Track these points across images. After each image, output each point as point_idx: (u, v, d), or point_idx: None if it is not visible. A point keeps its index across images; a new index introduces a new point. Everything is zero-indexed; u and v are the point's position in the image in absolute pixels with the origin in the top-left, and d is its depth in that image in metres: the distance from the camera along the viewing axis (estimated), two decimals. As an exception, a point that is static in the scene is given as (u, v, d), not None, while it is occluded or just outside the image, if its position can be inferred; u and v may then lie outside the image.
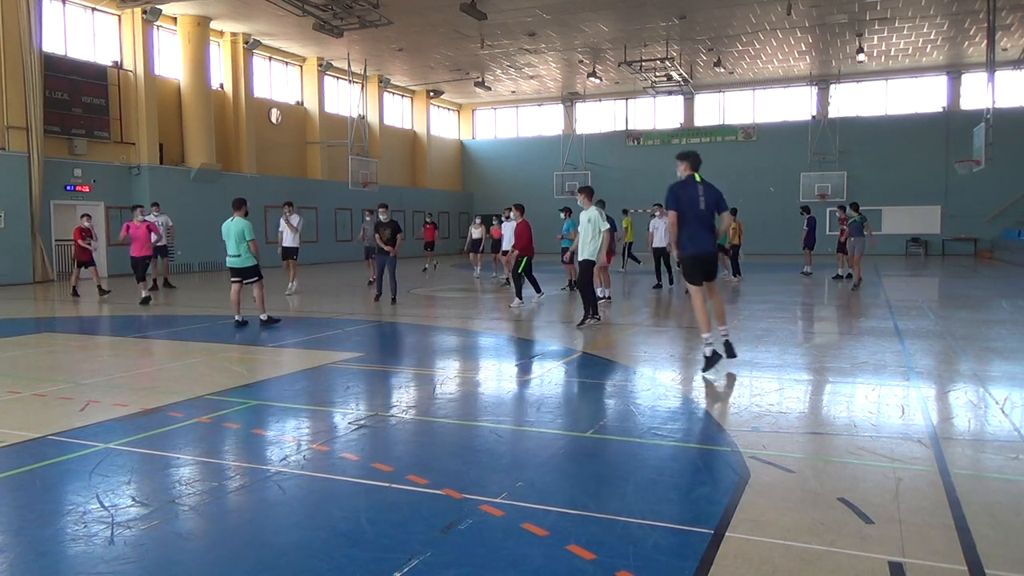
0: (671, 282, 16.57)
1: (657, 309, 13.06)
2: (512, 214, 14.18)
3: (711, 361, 7.16)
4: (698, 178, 7.28)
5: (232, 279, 11.07)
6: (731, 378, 7.09)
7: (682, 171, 7.36)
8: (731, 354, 7.33)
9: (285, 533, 3.57)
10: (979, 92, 29.46)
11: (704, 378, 7.05)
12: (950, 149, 30.42)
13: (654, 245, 16.63)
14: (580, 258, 10.51)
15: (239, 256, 10.84)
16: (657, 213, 16.77)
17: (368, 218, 19.10)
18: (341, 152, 29.60)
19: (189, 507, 3.87)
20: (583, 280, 10.52)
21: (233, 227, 10.86)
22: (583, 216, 10.48)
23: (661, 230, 16.37)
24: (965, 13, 23.59)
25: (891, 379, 6.89)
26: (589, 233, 10.40)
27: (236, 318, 10.88)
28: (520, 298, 12.94)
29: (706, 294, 7.33)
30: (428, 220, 25.89)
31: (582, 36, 26.12)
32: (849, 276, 17.61)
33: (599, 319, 10.54)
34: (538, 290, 13.93)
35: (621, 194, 35.95)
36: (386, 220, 13.80)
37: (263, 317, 10.82)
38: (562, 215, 16.39)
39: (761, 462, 4.44)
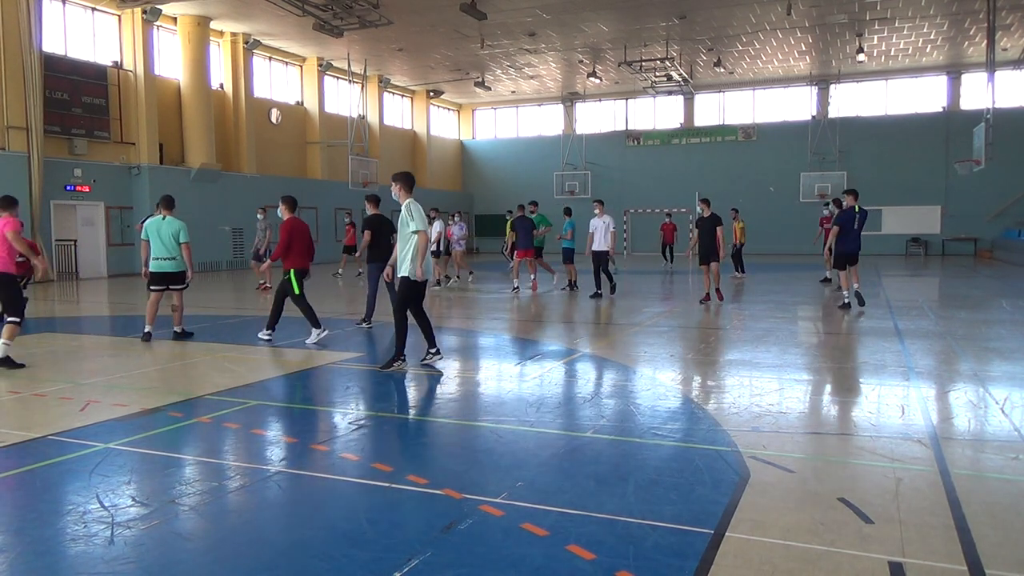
0: (612, 291, 14.64)
1: (655, 309, 13.04)
2: (280, 209, 9.61)
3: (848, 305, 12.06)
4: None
5: (156, 287, 9.61)
6: (731, 378, 7.10)
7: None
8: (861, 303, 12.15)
9: (285, 533, 3.57)
10: (979, 92, 29.44)
11: (705, 377, 7.06)
12: (950, 149, 30.42)
13: (593, 248, 14.41)
14: (399, 273, 7.57)
15: (174, 259, 9.51)
16: (597, 211, 14.58)
17: (261, 217, 16.84)
18: (341, 152, 29.60)
19: (189, 507, 3.87)
20: (397, 305, 7.55)
21: (167, 227, 9.48)
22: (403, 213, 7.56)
23: (600, 232, 14.32)
24: (965, 13, 23.58)
25: (891, 379, 6.89)
26: (403, 238, 7.50)
27: (147, 329, 9.48)
28: (319, 327, 9.42)
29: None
30: (348, 220, 22.06)
31: (582, 36, 26.11)
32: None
33: (403, 362, 7.56)
34: (315, 324, 9.51)
35: (621, 194, 36.08)
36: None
37: (177, 330, 9.67)
38: (565, 216, 16.26)
39: (761, 462, 4.44)
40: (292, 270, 9.41)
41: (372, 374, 7.49)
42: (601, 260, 14.37)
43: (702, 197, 14.71)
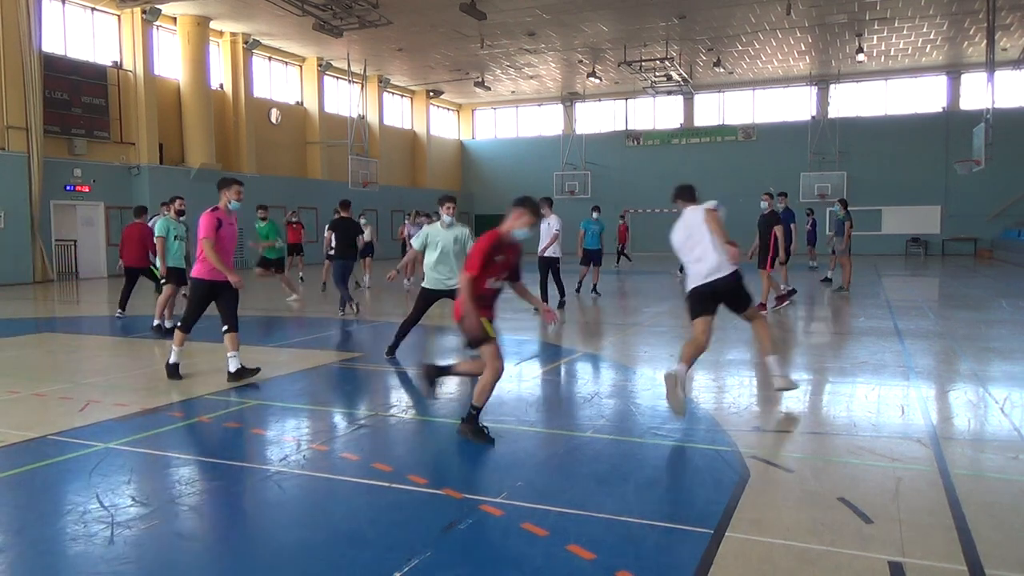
0: (562, 294, 12.78)
1: (655, 309, 13.04)
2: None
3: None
4: None
5: (174, 283, 10.18)
6: (731, 378, 7.09)
7: None
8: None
9: (285, 533, 3.57)
10: (979, 92, 29.42)
11: (705, 377, 7.06)
12: (950, 149, 30.41)
13: (544, 254, 12.46)
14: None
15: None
16: (544, 211, 11.99)
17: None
18: (341, 152, 29.59)
19: (189, 507, 3.87)
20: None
21: (183, 229, 10.32)
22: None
23: (543, 234, 12.36)
24: (965, 13, 23.59)
25: (891, 379, 6.89)
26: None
27: (158, 323, 10.00)
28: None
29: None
30: (293, 220, 19.11)
31: (582, 36, 26.11)
32: (829, 279, 16.94)
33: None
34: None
35: (621, 194, 36.06)
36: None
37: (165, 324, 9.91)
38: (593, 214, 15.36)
39: (761, 462, 4.44)
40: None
41: (372, 374, 7.48)
42: (550, 266, 12.48)
43: (766, 191, 12.60)
